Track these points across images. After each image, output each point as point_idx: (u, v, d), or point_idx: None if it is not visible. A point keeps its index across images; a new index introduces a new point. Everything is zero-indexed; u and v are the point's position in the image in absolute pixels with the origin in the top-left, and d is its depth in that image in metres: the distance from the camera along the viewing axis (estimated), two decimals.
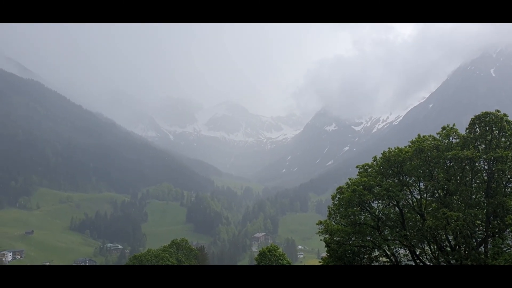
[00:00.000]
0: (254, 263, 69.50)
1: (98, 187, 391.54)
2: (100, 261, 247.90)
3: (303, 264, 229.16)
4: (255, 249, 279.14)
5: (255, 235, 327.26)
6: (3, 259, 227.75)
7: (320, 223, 41.94)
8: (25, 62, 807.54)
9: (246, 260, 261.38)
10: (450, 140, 40.00)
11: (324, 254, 50.69)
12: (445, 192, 38.74)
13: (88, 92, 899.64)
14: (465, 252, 36.64)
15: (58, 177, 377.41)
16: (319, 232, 42.09)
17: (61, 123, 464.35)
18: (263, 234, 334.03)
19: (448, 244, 38.89)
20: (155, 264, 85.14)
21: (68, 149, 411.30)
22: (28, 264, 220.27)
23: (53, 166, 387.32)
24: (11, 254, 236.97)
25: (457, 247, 37.55)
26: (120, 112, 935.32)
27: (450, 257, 36.99)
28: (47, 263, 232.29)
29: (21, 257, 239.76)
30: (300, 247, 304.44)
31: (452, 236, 38.20)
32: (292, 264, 72.43)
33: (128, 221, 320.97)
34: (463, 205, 37.47)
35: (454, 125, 41.03)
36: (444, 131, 40.52)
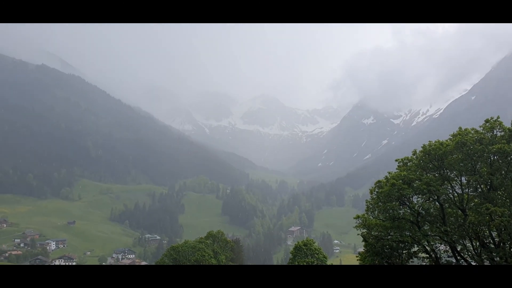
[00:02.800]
0: (289, 256, 68.63)
1: (137, 179, 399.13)
2: (138, 251, 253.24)
3: (339, 259, 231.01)
4: (290, 243, 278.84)
5: (290, 229, 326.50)
6: (47, 247, 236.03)
7: (357, 217, 41.09)
8: (66, 58, 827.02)
9: (281, 253, 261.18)
10: (494, 133, 38.40)
11: (361, 249, 49.44)
12: (488, 187, 37.25)
13: (127, 87, 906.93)
14: (510, 249, 35.06)
15: (99, 169, 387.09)
16: (356, 226, 41.37)
17: (101, 116, 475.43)
18: (298, 228, 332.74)
19: (491, 241, 37.26)
20: (192, 255, 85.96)
21: (109, 142, 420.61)
22: (71, 253, 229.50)
23: (94, 158, 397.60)
24: (54, 243, 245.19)
25: (502, 244, 35.87)
26: (157, 106, 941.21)
27: (494, 254, 35.52)
28: (88, 253, 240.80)
29: (64, 246, 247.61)
30: (336, 241, 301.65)
31: (496, 233, 36.53)
32: (328, 258, 71.43)
33: (166, 212, 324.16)
34: (508, 200, 35.93)
35: (498, 117, 39.35)
36: (487, 124, 38.90)
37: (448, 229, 37.83)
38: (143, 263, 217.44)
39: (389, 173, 41.59)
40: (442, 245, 40.37)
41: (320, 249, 67.74)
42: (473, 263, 37.32)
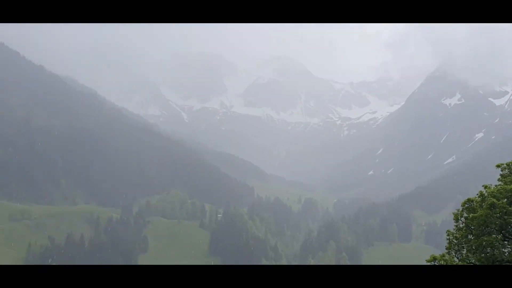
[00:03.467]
0: None
1: (71, 197, 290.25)
2: None
3: None
4: None
5: None
6: None
7: (433, 259, 31.35)
8: None
9: None
10: None
11: None
12: None
13: (52, 48, 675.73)
14: None
15: (7, 181, 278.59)
16: None
17: (12, 92, 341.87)
18: None
19: None
20: None
21: (24, 134, 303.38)
22: None
23: None
24: None
25: None
26: (104, 77, 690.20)
27: None
28: None
29: None
30: None
31: None
32: None
33: (118, 250, 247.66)
34: None
35: None
36: None
37: None
38: None
39: (485, 187, 33.22)
40: None
41: None
42: None
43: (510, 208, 30.94)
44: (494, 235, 31.25)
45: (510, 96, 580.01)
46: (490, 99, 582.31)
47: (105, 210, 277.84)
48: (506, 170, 34.57)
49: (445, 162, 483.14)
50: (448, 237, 34.10)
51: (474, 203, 32.85)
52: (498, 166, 35.51)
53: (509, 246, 31.13)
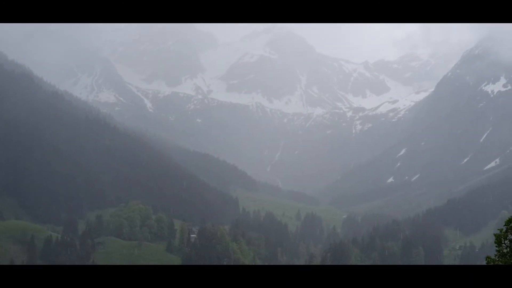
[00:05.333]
0: None
1: None
2: None
3: None
4: None
5: None
6: None
7: None
8: None
9: None
10: None
11: None
12: None
13: None
14: None
15: None
16: None
17: None
18: None
19: None
20: None
21: None
22: None
23: None
24: None
25: None
26: (41, 52, 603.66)
27: None
28: None
29: None
30: None
31: None
32: None
33: None
34: None
35: None
36: None
37: None
38: None
39: None
40: None
41: None
42: None
43: None
44: None
45: None
46: None
47: (41, 228, 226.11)
48: None
49: (486, 168, 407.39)
50: (487, 262, 32.69)
51: None
52: None
53: None
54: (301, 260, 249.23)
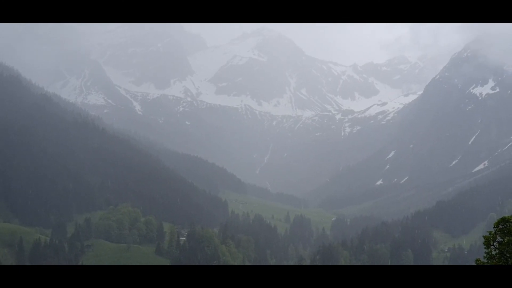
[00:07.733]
0: None
1: None
2: None
3: None
4: None
5: None
6: None
7: None
8: None
9: None
10: None
11: None
12: None
13: None
14: None
15: None
16: None
17: None
18: None
19: None
20: None
21: None
22: None
23: None
24: None
25: None
26: (29, 54, 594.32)
27: None
28: None
29: None
30: None
31: None
32: None
33: None
34: None
35: None
36: None
37: None
38: None
39: None
40: None
41: None
42: None
43: None
44: None
45: None
46: None
47: (30, 231, 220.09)
48: None
49: (475, 170, 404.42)
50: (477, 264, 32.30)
51: (511, 222, 31.40)
52: None
53: None
54: (290, 263, 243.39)
